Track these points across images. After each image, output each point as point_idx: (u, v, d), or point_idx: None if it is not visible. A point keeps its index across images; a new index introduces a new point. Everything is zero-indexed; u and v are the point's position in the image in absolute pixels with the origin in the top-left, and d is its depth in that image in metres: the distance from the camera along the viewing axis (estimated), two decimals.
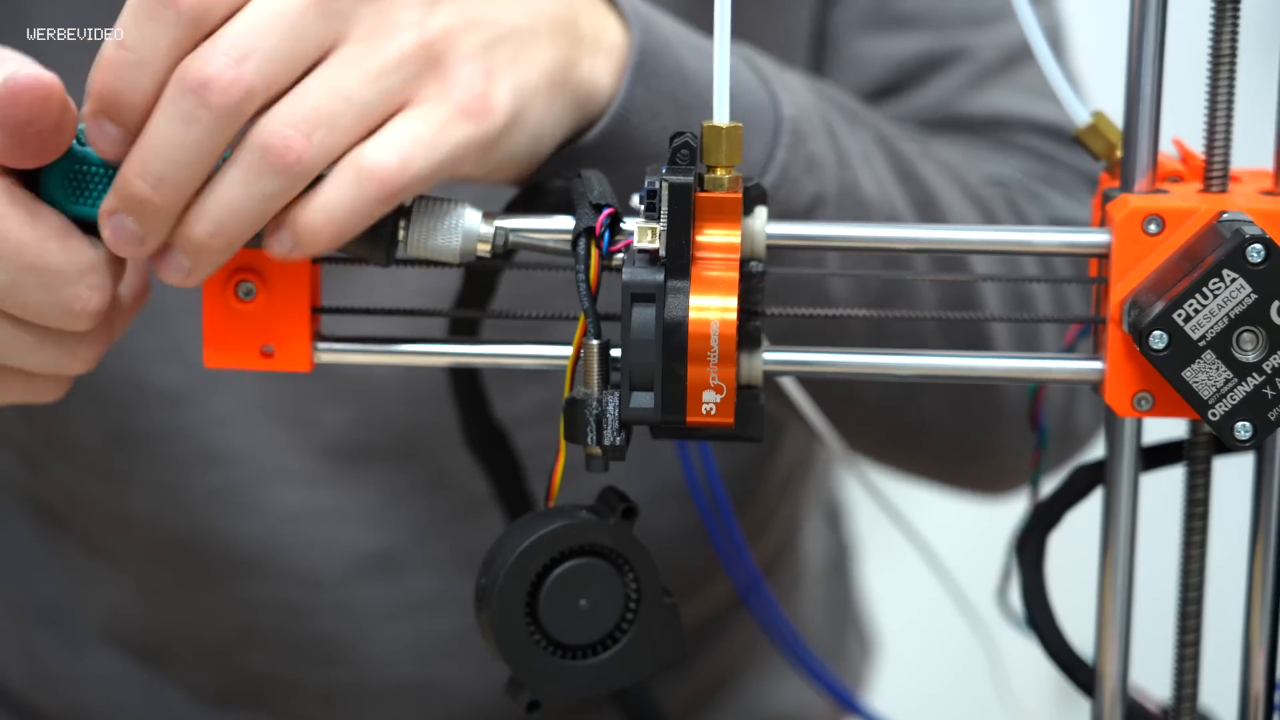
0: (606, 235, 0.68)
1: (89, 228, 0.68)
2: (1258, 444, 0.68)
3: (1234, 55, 0.68)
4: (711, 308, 0.65)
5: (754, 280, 0.68)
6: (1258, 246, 0.64)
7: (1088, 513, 0.75)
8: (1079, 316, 0.80)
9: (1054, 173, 0.98)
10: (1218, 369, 0.65)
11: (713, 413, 0.66)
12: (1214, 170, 0.69)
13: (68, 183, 0.68)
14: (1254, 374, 0.65)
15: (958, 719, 1.81)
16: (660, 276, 0.65)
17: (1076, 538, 0.86)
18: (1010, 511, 1.00)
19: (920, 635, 1.90)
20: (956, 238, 0.71)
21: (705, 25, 0.81)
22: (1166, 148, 0.71)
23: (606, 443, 0.66)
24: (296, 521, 0.99)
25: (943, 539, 0.95)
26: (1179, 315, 0.65)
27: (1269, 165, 0.71)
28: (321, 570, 0.99)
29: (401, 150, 0.67)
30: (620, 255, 0.68)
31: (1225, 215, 0.67)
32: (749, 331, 0.68)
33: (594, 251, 0.68)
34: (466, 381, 0.81)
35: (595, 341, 0.67)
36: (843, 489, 1.27)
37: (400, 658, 1.00)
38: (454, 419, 0.82)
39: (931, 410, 0.92)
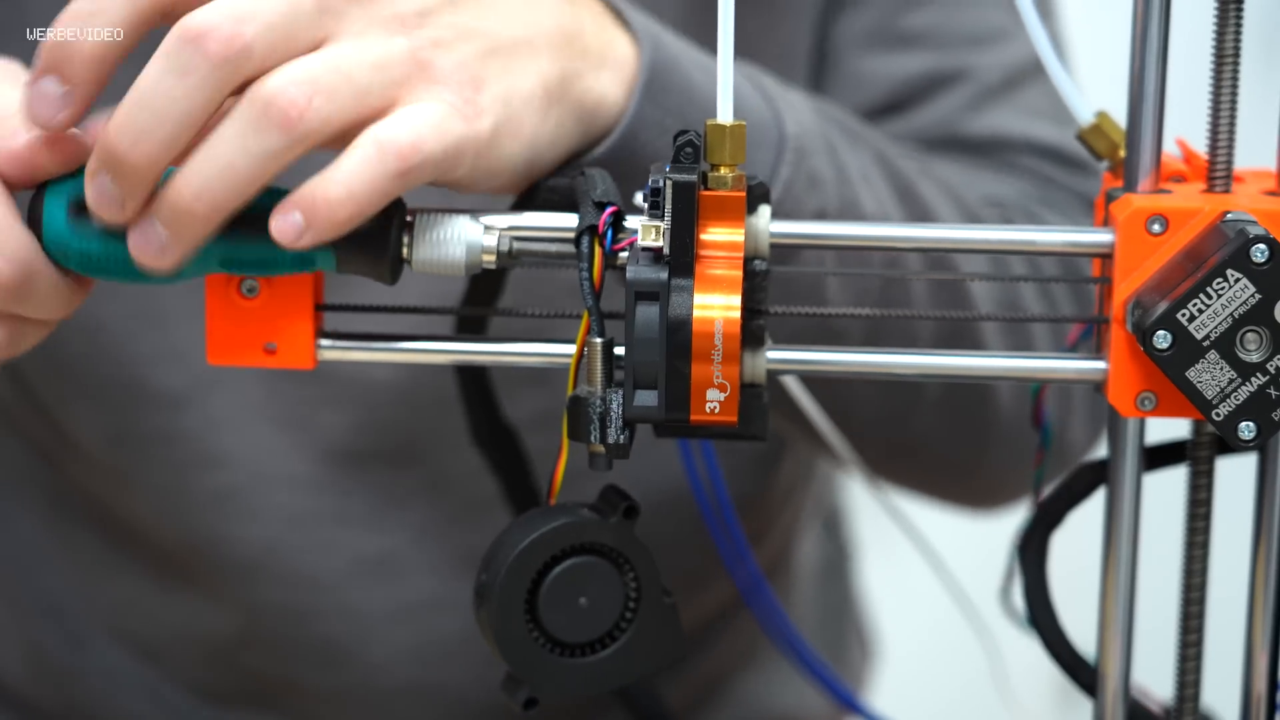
0: (610, 233, 0.68)
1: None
2: (1261, 444, 0.68)
3: (1237, 55, 0.68)
4: (715, 306, 0.65)
5: (758, 279, 0.68)
6: (1261, 246, 0.64)
7: (1090, 513, 0.74)
8: (1083, 316, 0.80)
9: (1052, 195, 0.98)
10: (1221, 369, 0.65)
11: (716, 411, 0.66)
12: (1217, 170, 0.69)
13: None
14: (1258, 374, 0.65)
15: None
16: (664, 275, 0.65)
17: (1079, 538, 0.86)
18: (1012, 513, 1.00)
19: (922, 637, 1.90)
20: (960, 237, 0.71)
21: (702, 37, 0.82)
22: (1170, 148, 0.71)
23: (610, 441, 0.66)
24: (296, 524, 0.99)
25: (944, 540, 0.95)
26: (1183, 315, 0.65)
27: (1273, 165, 0.71)
28: (322, 573, 0.99)
29: (414, 130, 0.67)
30: (624, 253, 0.68)
31: (1229, 215, 0.67)
32: (753, 330, 0.68)
33: (597, 250, 0.68)
34: (475, 381, 0.81)
35: (599, 340, 0.67)
36: (843, 493, 1.27)
37: (401, 660, 1.00)
38: (453, 422, 0.82)
39: (925, 425, 0.93)
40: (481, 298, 0.77)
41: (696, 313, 0.65)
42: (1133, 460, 0.71)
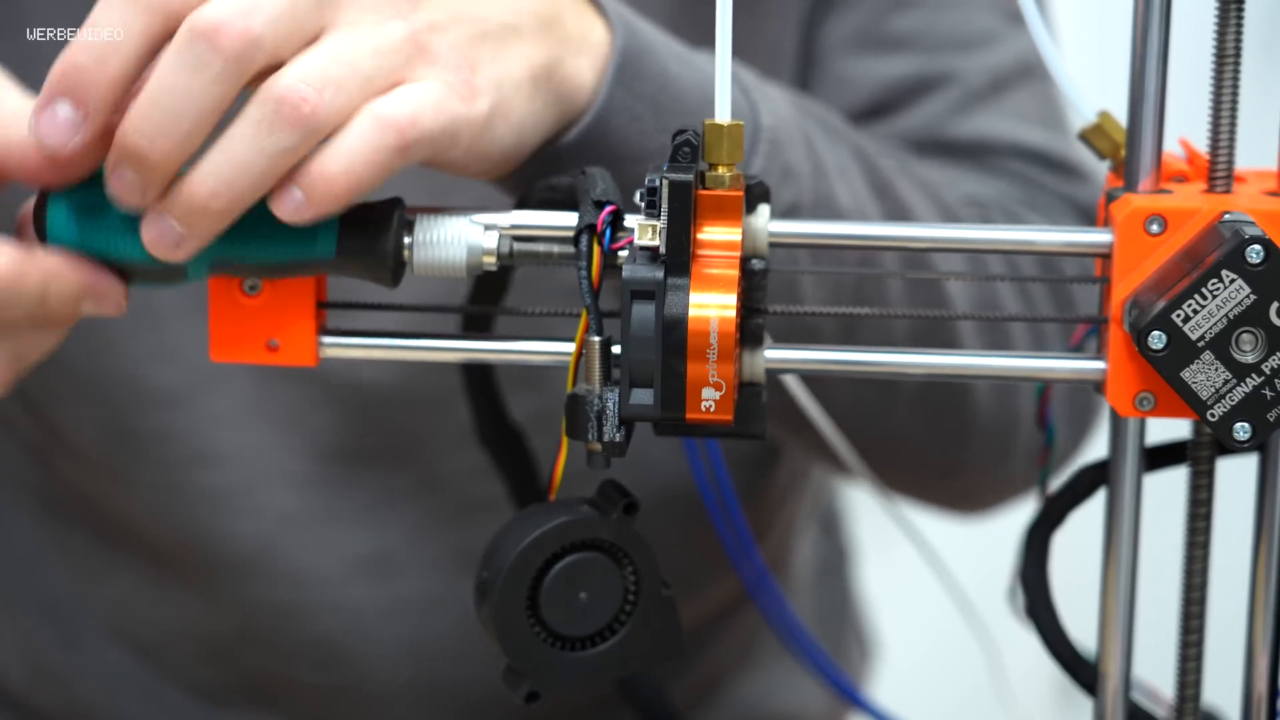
0: (608, 232, 0.68)
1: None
2: (1256, 445, 0.68)
3: (1238, 55, 0.68)
4: (711, 305, 0.65)
5: (756, 278, 0.68)
6: (1257, 247, 0.64)
7: (1090, 513, 0.74)
8: (1081, 316, 0.80)
9: (1036, 197, 0.98)
10: (1217, 370, 0.65)
11: (712, 410, 0.66)
12: (1218, 170, 0.69)
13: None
14: (1253, 375, 0.65)
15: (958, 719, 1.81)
16: (660, 274, 0.65)
17: (1079, 538, 0.86)
18: (1012, 513, 1.00)
19: (921, 637, 1.90)
20: (957, 236, 0.71)
21: (690, 37, 0.82)
22: (1172, 147, 0.71)
23: (607, 439, 0.67)
24: (292, 523, 0.99)
25: (943, 541, 0.95)
26: (1178, 316, 0.65)
27: (1274, 165, 0.71)
28: (317, 571, 1.00)
29: (413, 106, 0.67)
30: (623, 252, 0.68)
31: (1227, 216, 0.67)
32: (751, 329, 0.68)
33: (596, 249, 0.68)
34: (480, 381, 0.81)
35: (597, 338, 0.67)
36: (841, 494, 1.27)
37: (397, 657, 1.01)
38: (448, 421, 0.82)
39: (903, 424, 0.92)
40: (486, 296, 0.77)
41: (692, 312, 0.65)
42: (1133, 460, 0.71)
